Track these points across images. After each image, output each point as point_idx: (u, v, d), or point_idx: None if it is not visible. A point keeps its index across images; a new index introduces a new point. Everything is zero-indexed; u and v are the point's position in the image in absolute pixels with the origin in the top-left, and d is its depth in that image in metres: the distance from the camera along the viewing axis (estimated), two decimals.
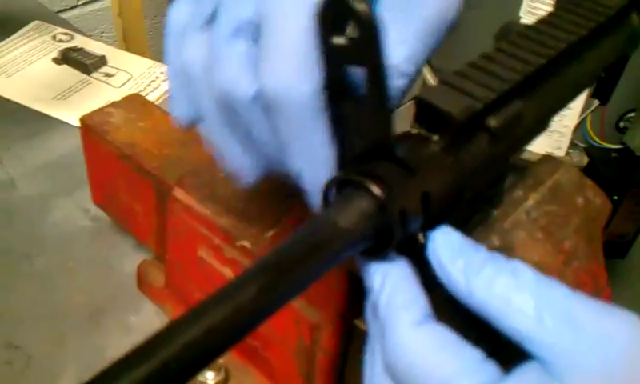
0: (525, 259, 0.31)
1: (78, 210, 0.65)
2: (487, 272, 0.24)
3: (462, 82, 0.27)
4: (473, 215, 0.31)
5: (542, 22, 0.33)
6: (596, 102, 1.61)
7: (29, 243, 0.61)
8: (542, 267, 0.31)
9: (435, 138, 0.26)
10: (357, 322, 0.41)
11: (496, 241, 0.31)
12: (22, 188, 0.67)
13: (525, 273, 0.24)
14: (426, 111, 0.26)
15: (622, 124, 1.60)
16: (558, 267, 0.32)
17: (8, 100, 0.78)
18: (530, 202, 0.34)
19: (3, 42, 0.86)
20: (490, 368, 0.23)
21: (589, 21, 0.33)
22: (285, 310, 0.42)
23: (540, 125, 0.32)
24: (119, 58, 0.85)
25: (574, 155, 1.64)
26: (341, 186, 0.25)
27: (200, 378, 0.48)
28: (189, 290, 0.50)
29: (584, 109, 1.59)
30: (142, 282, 0.56)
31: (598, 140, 1.65)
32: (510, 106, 0.28)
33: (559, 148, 1.64)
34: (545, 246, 0.32)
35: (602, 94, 1.58)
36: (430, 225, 0.26)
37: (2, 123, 0.76)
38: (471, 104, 0.26)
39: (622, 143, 1.68)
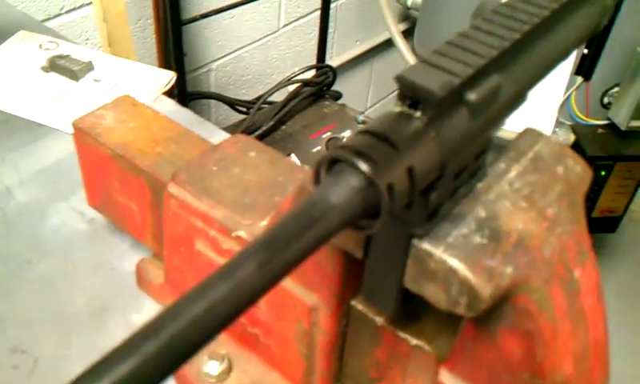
0: (509, 228, 0.33)
1: (74, 213, 0.66)
2: None
3: (440, 60, 0.28)
4: (458, 188, 0.32)
5: None
6: (579, 79, 1.63)
7: (29, 249, 0.62)
8: (525, 234, 0.33)
9: (417, 114, 0.27)
10: (354, 302, 0.42)
11: (482, 212, 0.32)
12: (18, 196, 0.68)
13: None
14: (406, 89, 0.27)
15: (605, 100, 1.62)
16: (542, 233, 0.33)
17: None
18: (513, 173, 0.35)
19: None
20: None
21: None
22: (283, 295, 0.43)
23: (518, 98, 0.33)
24: (106, 63, 0.86)
25: (560, 133, 1.66)
26: (331, 164, 0.26)
27: (204, 368, 0.49)
28: (188, 284, 0.51)
29: (568, 86, 1.61)
30: (142, 279, 0.57)
31: (583, 117, 1.67)
32: (488, 80, 0.29)
33: (545, 127, 1.66)
34: (529, 214, 0.33)
35: (585, 70, 1.60)
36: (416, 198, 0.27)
37: None
38: (450, 79, 0.27)
39: (607, 119, 1.70)
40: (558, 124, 1.61)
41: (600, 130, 1.64)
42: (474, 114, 0.29)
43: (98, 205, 0.59)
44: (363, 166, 0.25)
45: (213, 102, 1.74)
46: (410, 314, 0.41)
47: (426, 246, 0.31)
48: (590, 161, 1.58)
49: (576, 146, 1.64)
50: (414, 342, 0.40)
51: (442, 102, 0.27)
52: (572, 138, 1.65)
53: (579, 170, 0.37)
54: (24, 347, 0.54)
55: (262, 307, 0.46)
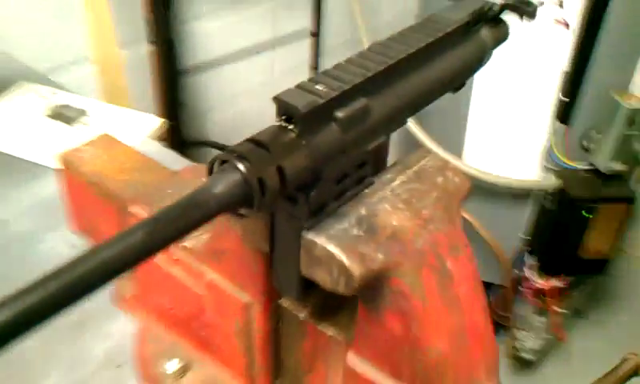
0: (385, 223, 0.40)
1: (63, 242, 0.74)
2: None
3: (312, 85, 0.36)
4: (344, 192, 0.39)
5: (394, 35, 0.42)
6: (559, 125, 1.69)
7: (22, 272, 0.70)
8: (399, 229, 0.40)
9: (290, 127, 0.35)
10: (282, 300, 0.49)
11: (363, 211, 0.39)
12: (13, 226, 0.76)
13: None
14: (281, 107, 0.35)
15: (585, 143, 1.68)
16: (415, 229, 0.40)
17: None
18: (397, 182, 0.42)
19: None
20: None
21: (432, 34, 0.42)
22: (222, 296, 0.50)
23: (393, 120, 0.40)
24: (99, 109, 0.95)
25: (545, 178, 1.72)
26: (220, 164, 0.34)
27: (160, 369, 0.56)
28: (151, 294, 0.58)
29: (549, 132, 1.68)
30: (116, 295, 0.64)
31: (566, 160, 1.73)
32: (356, 101, 0.37)
33: (531, 171, 1.72)
34: (404, 213, 0.40)
35: (564, 116, 1.67)
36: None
37: None
38: (314, 99, 0.35)
39: (590, 163, 1.76)
40: (544, 169, 1.67)
41: (584, 173, 1.70)
42: (344, 129, 0.36)
43: (80, 228, 0.67)
44: (240, 165, 0.32)
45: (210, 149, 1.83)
46: (329, 308, 0.47)
47: (311, 236, 0.38)
48: (574, 203, 1.64)
49: (563, 190, 1.70)
50: (330, 332, 0.46)
51: (308, 117, 0.34)
52: (558, 182, 1.71)
53: (457, 181, 0.44)
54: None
55: (209, 310, 0.53)
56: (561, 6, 1.40)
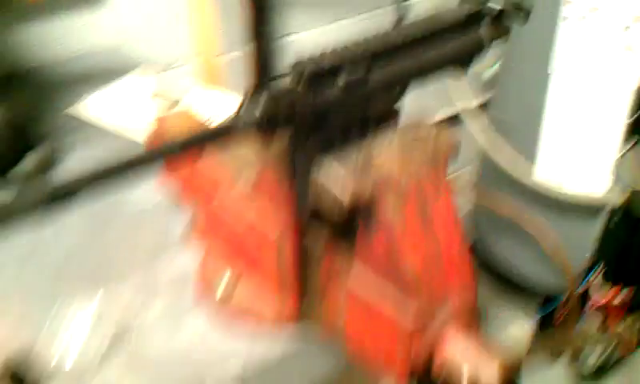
0: (377, 166, 0.52)
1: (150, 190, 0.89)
2: None
3: (324, 55, 0.49)
4: (347, 140, 0.52)
5: (401, 25, 0.54)
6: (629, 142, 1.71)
7: (121, 213, 0.86)
8: (388, 171, 0.52)
9: (301, 83, 0.48)
10: (304, 236, 0.61)
11: (361, 155, 0.52)
12: None
13: None
14: (296, 67, 0.48)
15: None
16: (403, 173, 0.51)
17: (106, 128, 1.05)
18: (395, 137, 0.54)
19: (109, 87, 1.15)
20: None
21: (430, 27, 0.54)
22: (259, 232, 0.63)
23: (390, 87, 0.52)
24: (196, 92, 1.12)
25: (613, 195, 1.74)
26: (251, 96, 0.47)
27: (216, 281, 0.70)
28: (213, 231, 0.73)
29: (623, 145, 1.70)
30: (187, 232, 0.79)
31: (634, 178, 1.74)
32: (358, 69, 0.49)
33: (600, 188, 1.75)
34: (396, 161, 0.52)
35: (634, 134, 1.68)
36: None
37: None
38: (321, 65, 0.47)
39: None
40: (613, 186, 1.69)
41: None
42: (344, 90, 0.49)
43: (166, 180, 0.83)
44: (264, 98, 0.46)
45: None
46: (339, 242, 0.59)
47: (316, 173, 0.51)
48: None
49: (626, 206, 1.71)
50: (339, 260, 0.59)
51: (315, 76, 0.47)
52: (624, 199, 1.71)
53: (444, 141, 0.55)
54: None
55: (251, 242, 0.66)
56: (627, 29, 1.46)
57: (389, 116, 0.55)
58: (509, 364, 0.50)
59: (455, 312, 0.54)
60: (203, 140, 0.45)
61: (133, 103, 1.10)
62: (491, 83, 2.12)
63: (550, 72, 1.64)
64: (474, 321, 0.56)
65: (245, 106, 0.46)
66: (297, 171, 0.53)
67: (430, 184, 0.53)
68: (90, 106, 1.07)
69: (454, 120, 2.45)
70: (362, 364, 0.60)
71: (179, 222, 0.82)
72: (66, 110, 1.04)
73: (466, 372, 0.51)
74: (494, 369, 0.50)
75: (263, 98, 0.46)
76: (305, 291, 0.63)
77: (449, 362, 0.52)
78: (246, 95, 0.47)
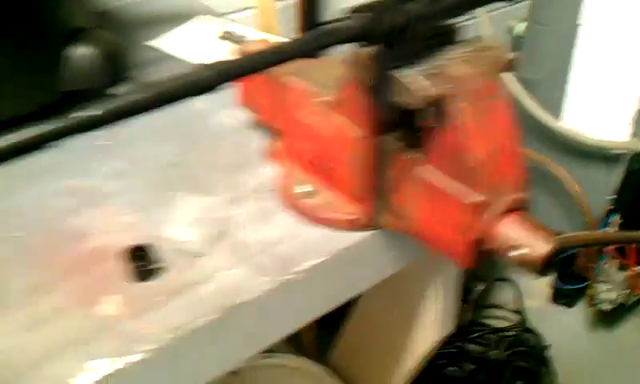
0: (448, 71, 0.63)
1: (228, 116, 1.01)
2: None
3: None
4: (426, 49, 0.63)
5: None
6: None
7: (199, 138, 0.98)
8: (457, 76, 0.63)
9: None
10: (382, 136, 0.72)
11: (436, 62, 0.63)
12: (197, 104, 1.03)
13: None
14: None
15: None
16: (468, 78, 0.63)
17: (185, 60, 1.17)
18: (461, 50, 0.65)
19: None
20: None
21: None
22: (342, 133, 0.75)
23: (460, 8, 0.63)
24: (255, 36, 1.23)
25: (634, 141, 1.85)
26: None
27: (295, 191, 0.82)
28: (294, 144, 0.84)
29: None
30: (269, 149, 0.91)
31: None
32: None
33: (621, 135, 1.85)
34: (463, 68, 0.63)
35: None
36: None
37: None
38: None
39: None
40: (635, 132, 1.79)
41: None
42: (430, 3, 0.60)
43: (244, 104, 0.95)
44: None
45: None
46: (411, 142, 0.70)
47: (397, 74, 0.62)
48: None
49: None
50: (410, 157, 0.70)
51: None
52: None
53: (499, 55, 0.66)
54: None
55: (334, 147, 0.78)
56: None
57: (455, 31, 0.66)
58: (558, 242, 0.61)
59: (512, 203, 0.65)
60: (293, 54, 0.56)
61: (204, 42, 1.21)
62: (521, 38, 2.21)
63: (578, 23, 1.75)
64: (528, 214, 0.66)
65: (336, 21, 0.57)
66: (379, 78, 0.64)
67: (487, 89, 0.64)
68: (168, 42, 1.19)
69: None
70: (430, 252, 0.72)
71: (260, 138, 0.94)
72: (147, 43, 1.17)
73: (517, 243, 0.62)
74: (545, 242, 0.61)
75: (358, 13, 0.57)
76: (380, 193, 0.75)
77: (504, 235, 0.63)
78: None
